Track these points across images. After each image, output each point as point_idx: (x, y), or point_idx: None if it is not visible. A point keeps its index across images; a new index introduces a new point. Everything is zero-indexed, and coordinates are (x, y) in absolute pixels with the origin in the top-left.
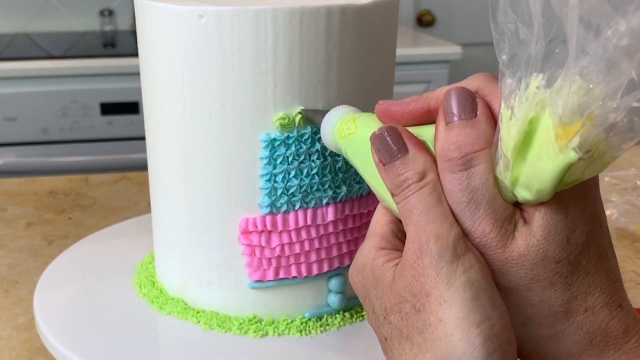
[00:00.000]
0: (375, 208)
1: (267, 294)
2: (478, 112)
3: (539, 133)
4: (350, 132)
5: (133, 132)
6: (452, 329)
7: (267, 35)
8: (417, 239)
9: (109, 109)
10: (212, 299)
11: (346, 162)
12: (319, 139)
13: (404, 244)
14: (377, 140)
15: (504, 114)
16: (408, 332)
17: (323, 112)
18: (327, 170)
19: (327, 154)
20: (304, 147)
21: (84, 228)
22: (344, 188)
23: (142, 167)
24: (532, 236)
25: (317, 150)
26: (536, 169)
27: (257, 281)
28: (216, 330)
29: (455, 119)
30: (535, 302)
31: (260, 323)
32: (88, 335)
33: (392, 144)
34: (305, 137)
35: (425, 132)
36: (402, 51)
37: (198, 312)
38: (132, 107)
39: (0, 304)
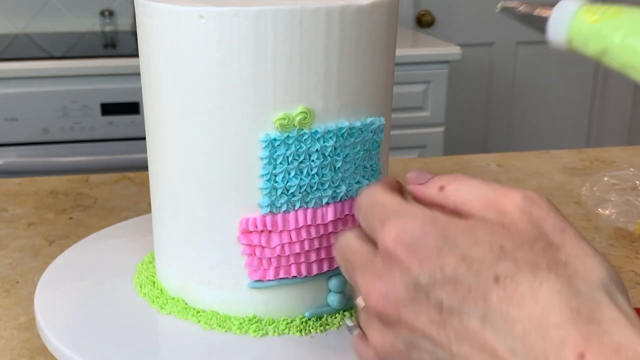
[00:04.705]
0: None
1: (267, 293)
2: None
3: None
4: (608, 16)
5: (133, 132)
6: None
7: (267, 36)
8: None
9: (109, 109)
10: (212, 299)
11: (346, 161)
12: (319, 139)
13: None
14: None
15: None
16: (548, 264)
17: (547, 6)
18: (327, 170)
19: (326, 153)
20: (304, 147)
21: (84, 228)
22: (344, 187)
23: (142, 167)
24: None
25: (316, 150)
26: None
27: (257, 281)
28: (216, 329)
29: None
30: None
31: (260, 323)
32: (89, 334)
33: None
34: (305, 137)
35: None
36: (402, 51)
37: (198, 312)
38: (133, 108)
39: (1, 303)
